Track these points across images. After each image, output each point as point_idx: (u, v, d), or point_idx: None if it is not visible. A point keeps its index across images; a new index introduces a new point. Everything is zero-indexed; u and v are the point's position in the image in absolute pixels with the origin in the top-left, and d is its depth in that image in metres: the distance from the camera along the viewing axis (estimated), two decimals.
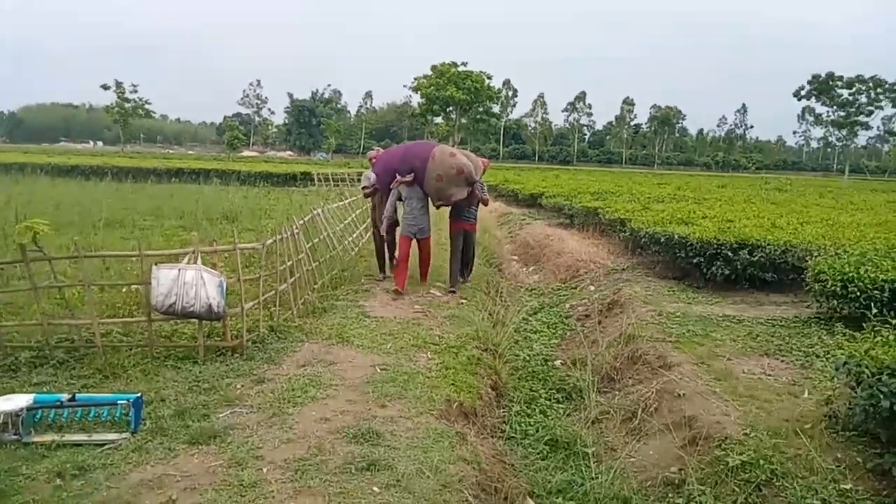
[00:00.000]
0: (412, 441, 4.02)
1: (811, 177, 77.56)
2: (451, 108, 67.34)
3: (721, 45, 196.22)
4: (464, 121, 71.17)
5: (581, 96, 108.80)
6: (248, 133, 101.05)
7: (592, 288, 10.77)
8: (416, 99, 74.37)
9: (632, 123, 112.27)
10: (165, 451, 3.82)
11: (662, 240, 9.65)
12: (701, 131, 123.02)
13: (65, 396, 4.17)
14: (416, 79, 68.80)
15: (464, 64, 66.63)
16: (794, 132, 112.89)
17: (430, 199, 8.79)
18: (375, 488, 3.43)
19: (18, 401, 4.06)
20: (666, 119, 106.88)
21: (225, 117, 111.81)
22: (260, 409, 4.44)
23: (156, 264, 5.20)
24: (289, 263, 6.66)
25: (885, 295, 6.45)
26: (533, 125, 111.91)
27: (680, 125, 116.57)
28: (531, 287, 11.69)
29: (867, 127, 63.18)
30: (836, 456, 4.03)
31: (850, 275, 6.71)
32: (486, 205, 9.47)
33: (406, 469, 3.63)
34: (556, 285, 11.66)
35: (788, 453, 4.03)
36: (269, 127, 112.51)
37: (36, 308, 5.26)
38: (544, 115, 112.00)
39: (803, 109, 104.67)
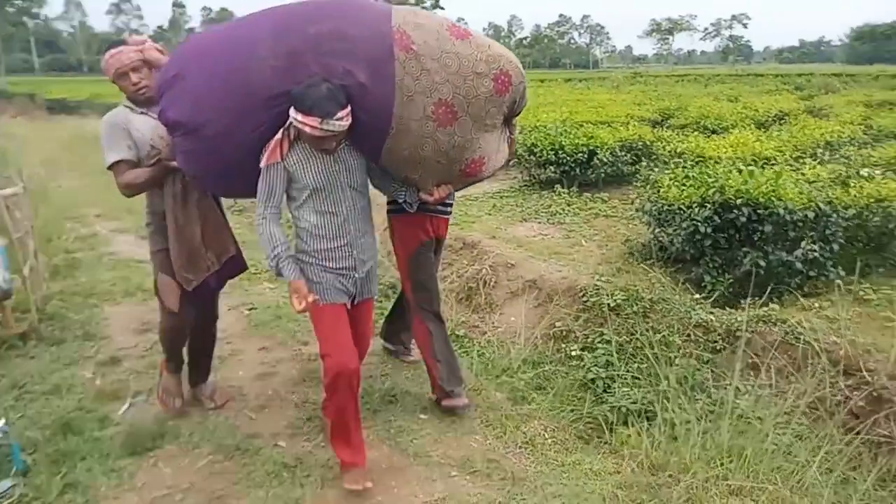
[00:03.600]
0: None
1: None
2: None
3: None
4: None
5: None
6: None
7: None
8: None
9: (185, 27, 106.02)
10: (114, 478, 2.79)
11: None
12: None
13: None
14: None
15: None
16: None
17: (385, 183, 2.98)
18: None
19: None
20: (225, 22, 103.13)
21: None
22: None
23: None
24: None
25: (585, 157, 8.07)
26: (70, 31, 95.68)
27: None
28: None
29: None
30: (660, 278, 5.18)
31: (560, 143, 8.13)
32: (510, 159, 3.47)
33: (406, 386, 3.43)
34: None
35: (640, 285, 5.00)
36: None
37: None
38: (83, 19, 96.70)
39: None
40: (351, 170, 2.68)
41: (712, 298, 4.80)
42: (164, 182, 2.93)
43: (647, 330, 4.51)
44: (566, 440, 3.15)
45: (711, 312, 4.51)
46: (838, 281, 4.72)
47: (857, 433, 3.40)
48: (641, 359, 4.27)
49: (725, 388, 3.93)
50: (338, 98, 2.41)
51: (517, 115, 2.96)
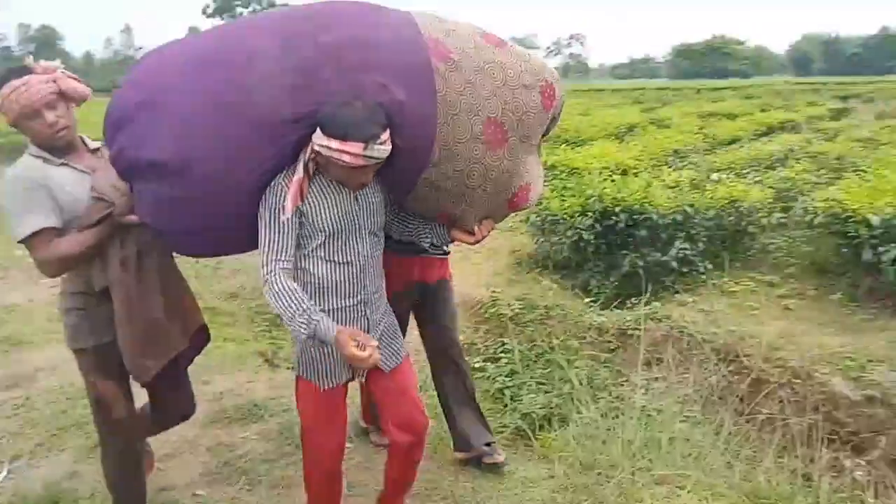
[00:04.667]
0: None
1: None
2: None
3: None
4: None
5: None
6: None
7: None
8: None
9: (1, 46, 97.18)
10: None
11: None
12: (88, 53, 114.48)
13: None
14: None
15: None
16: None
17: (401, 223, 2.40)
18: None
19: None
20: (48, 41, 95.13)
21: None
22: (53, 448, 3.13)
23: None
24: None
25: None
26: None
27: (60, 47, 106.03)
28: None
29: None
30: (551, 285, 5.41)
31: None
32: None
33: None
34: None
35: (534, 294, 5.18)
36: None
37: None
38: None
39: (190, 30, 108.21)
40: (371, 210, 2.18)
41: (600, 301, 5.09)
42: (107, 246, 2.18)
43: (547, 336, 4.68)
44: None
45: (602, 314, 4.77)
46: (705, 276, 5.21)
47: (745, 415, 3.75)
48: (544, 364, 4.42)
49: (623, 385, 4.19)
50: (377, 117, 1.95)
51: (548, 134, 2.52)
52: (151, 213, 2.10)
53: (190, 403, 2.64)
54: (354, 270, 2.15)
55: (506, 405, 4.18)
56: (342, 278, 2.14)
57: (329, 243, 2.11)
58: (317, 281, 2.12)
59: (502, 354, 4.64)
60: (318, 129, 1.94)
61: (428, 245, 2.43)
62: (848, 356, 3.79)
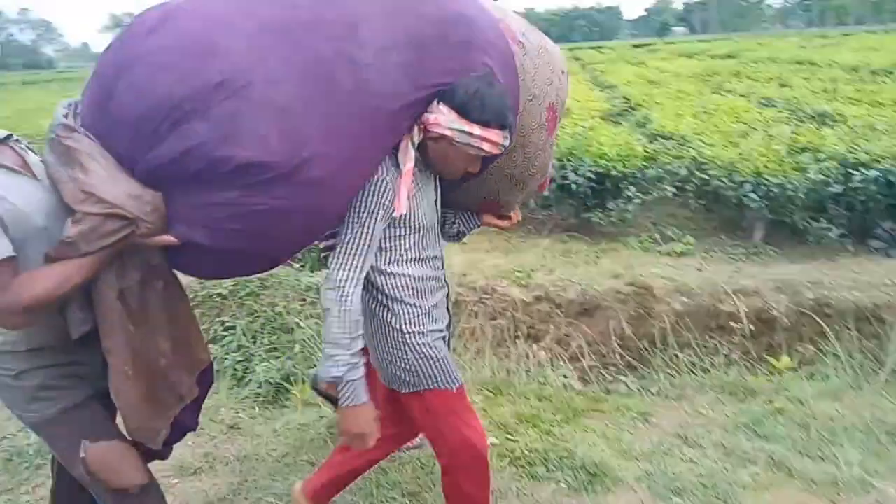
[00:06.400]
0: None
1: None
2: None
3: None
4: None
5: None
6: None
7: None
8: None
9: None
10: None
11: None
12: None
13: None
14: None
15: None
16: None
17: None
18: None
19: None
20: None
21: None
22: None
23: None
24: None
25: None
26: None
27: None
28: None
29: None
30: None
31: None
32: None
33: None
34: None
35: None
36: None
37: None
38: None
39: None
40: (440, 198, 1.98)
41: (309, 264, 5.36)
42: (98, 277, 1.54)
43: (269, 305, 4.80)
44: (261, 413, 3.28)
45: (313, 275, 5.06)
46: None
47: (450, 330, 4.44)
48: (271, 332, 4.55)
49: None
50: (511, 101, 1.78)
51: None
52: (215, 230, 1.58)
53: None
54: (439, 263, 1.99)
55: (241, 379, 4.23)
56: (432, 274, 1.94)
57: (421, 240, 1.90)
58: (415, 283, 1.89)
59: (225, 333, 4.62)
60: (450, 111, 1.70)
61: (454, 234, 2.24)
62: (517, 270, 4.75)
